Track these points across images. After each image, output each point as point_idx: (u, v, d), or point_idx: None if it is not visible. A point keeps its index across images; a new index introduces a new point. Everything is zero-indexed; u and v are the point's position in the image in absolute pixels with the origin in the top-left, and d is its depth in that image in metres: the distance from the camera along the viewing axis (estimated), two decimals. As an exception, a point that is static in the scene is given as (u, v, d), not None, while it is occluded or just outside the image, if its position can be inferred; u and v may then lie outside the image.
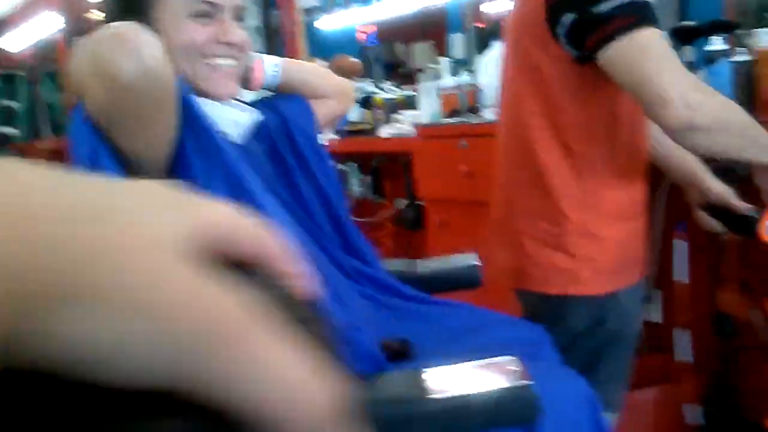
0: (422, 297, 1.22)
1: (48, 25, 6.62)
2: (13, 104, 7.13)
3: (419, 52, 5.65)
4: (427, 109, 2.69)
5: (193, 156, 0.88)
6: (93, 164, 0.84)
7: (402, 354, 1.04)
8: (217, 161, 0.90)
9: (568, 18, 1.17)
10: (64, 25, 6.40)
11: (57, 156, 5.41)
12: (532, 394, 0.84)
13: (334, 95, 1.31)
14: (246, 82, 1.16)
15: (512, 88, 1.38)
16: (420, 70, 3.49)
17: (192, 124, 0.88)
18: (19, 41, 7.46)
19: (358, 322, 1.06)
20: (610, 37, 1.13)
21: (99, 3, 5.59)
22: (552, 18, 1.20)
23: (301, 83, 1.26)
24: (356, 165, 2.90)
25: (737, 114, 1.19)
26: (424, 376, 0.91)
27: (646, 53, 1.14)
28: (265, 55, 1.22)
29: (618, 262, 1.32)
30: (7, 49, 7.80)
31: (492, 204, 1.48)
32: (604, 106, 1.27)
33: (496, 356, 0.96)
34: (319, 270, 1.07)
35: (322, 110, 1.29)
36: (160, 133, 0.86)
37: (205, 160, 0.89)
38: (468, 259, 1.43)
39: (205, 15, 0.99)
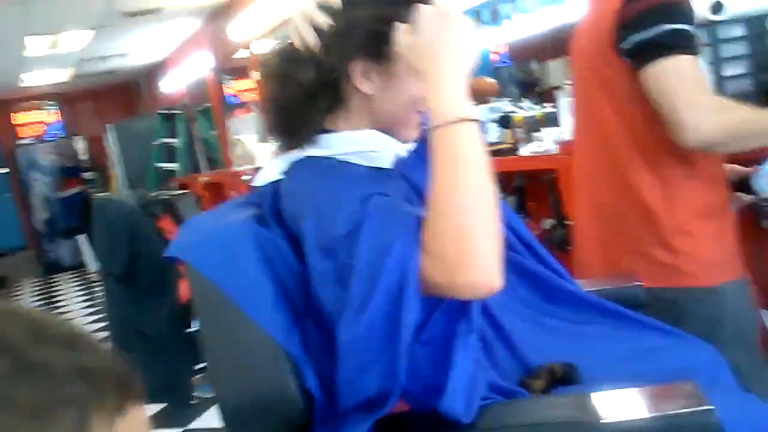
0: (616, 310, 1.18)
1: (199, 65, 7.15)
2: (174, 141, 7.73)
3: (554, 69, 5.57)
4: (569, 125, 2.64)
5: None
6: None
7: (567, 379, 1.03)
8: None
9: (634, 38, 1.36)
10: (214, 64, 6.90)
11: (215, 187, 5.81)
12: (714, 419, 0.80)
13: None
14: None
15: (589, 100, 1.54)
16: (557, 87, 3.44)
17: None
18: (175, 82, 8.11)
19: (517, 341, 1.06)
20: (653, 57, 1.33)
21: (245, 42, 5.99)
22: (621, 37, 1.38)
23: None
24: (498, 185, 2.90)
25: (748, 122, 1.37)
26: (593, 399, 0.90)
27: (678, 79, 1.32)
28: None
29: (716, 257, 1.45)
30: (165, 90, 8.51)
31: (583, 216, 1.63)
32: None
33: (672, 381, 0.93)
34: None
35: None
36: None
37: None
38: (628, 279, 1.39)
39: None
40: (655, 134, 1.39)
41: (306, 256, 0.94)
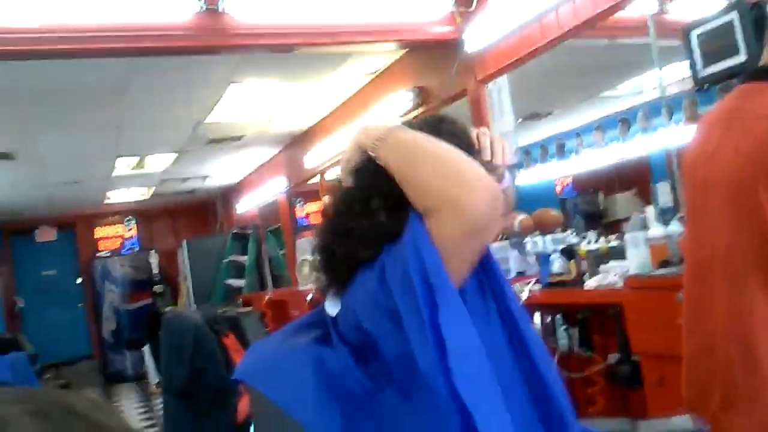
0: None
1: (272, 188, 7.48)
2: (243, 259, 7.97)
3: (621, 201, 5.59)
4: (635, 259, 2.63)
5: None
6: None
7: None
8: None
9: None
10: (287, 187, 7.21)
11: (279, 305, 5.91)
12: None
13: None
14: None
15: (721, 242, 1.24)
16: (624, 220, 3.44)
17: None
18: (249, 203, 8.47)
19: None
20: None
21: (318, 168, 6.28)
22: None
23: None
24: (561, 317, 2.85)
25: None
26: None
27: None
28: None
29: None
30: (239, 211, 8.88)
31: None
32: None
33: None
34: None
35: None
36: None
37: None
38: (694, 422, 1.33)
39: None
40: None
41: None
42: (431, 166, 0.94)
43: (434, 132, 1.04)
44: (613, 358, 2.57)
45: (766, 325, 1.15)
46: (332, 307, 1.09)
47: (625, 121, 5.35)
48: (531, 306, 2.86)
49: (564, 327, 2.82)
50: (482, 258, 1.02)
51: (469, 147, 1.06)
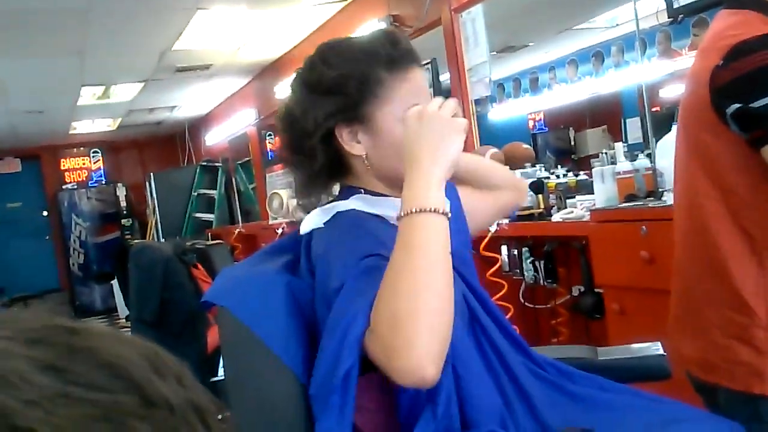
0: (606, 383, 1.18)
1: (242, 120, 7.36)
2: (212, 193, 7.90)
3: (592, 137, 5.61)
4: (603, 194, 2.65)
5: None
6: None
7: (587, 443, 1.02)
8: None
9: (732, 107, 1.17)
10: (257, 120, 7.10)
11: (249, 239, 5.90)
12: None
13: (506, 187, 1.37)
14: None
15: (686, 173, 1.35)
16: (594, 156, 3.46)
17: None
18: (218, 136, 8.34)
19: (538, 404, 1.05)
20: (761, 134, 1.16)
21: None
22: (718, 104, 1.20)
23: (479, 173, 1.34)
24: (527, 250, 2.89)
25: None
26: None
27: None
28: None
29: None
30: (208, 143, 8.74)
31: (672, 292, 1.42)
32: None
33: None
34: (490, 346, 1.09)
35: (493, 200, 1.36)
36: None
37: None
38: (653, 348, 1.37)
39: None
40: (761, 211, 1.22)
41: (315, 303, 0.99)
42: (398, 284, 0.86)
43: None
44: (576, 289, 2.62)
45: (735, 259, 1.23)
46: (321, 216, 1.09)
47: (598, 55, 5.32)
48: (498, 239, 2.89)
49: (530, 259, 2.86)
50: None
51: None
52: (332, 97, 1.07)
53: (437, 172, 0.93)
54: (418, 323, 0.80)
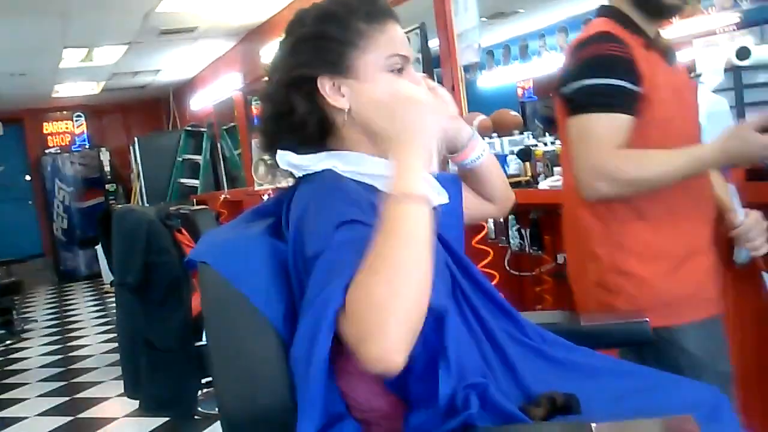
0: (587, 351, 1.19)
1: (228, 85, 7.27)
2: (197, 158, 7.83)
3: (579, 106, 5.59)
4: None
5: None
6: None
7: (567, 408, 1.02)
8: None
9: (562, 89, 1.48)
10: (242, 84, 7.02)
11: (234, 205, 5.87)
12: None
13: (499, 199, 1.36)
14: (452, 152, 1.25)
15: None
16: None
17: None
18: (203, 100, 8.24)
19: (520, 369, 1.06)
20: (570, 113, 1.44)
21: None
22: (558, 83, 1.50)
23: (488, 180, 1.31)
24: (514, 217, 2.89)
25: (644, 169, 1.39)
26: (593, 429, 0.89)
27: (581, 137, 1.41)
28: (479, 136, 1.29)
29: (666, 298, 1.42)
30: (193, 108, 8.65)
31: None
32: None
33: (670, 415, 0.93)
34: (471, 312, 1.09)
35: (480, 206, 1.34)
36: None
37: None
38: (634, 315, 1.38)
39: (398, 69, 1.08)
40: None
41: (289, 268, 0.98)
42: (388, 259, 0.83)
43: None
44: (562, 257, 2.63)
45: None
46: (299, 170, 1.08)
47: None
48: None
49: (516, 227, 2.86)
50: None
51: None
52: (314, 48, 1.06)
53: (421, 157, 0.91)
54: (393, 312, 0.79)
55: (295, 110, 1.07)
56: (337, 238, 0.90)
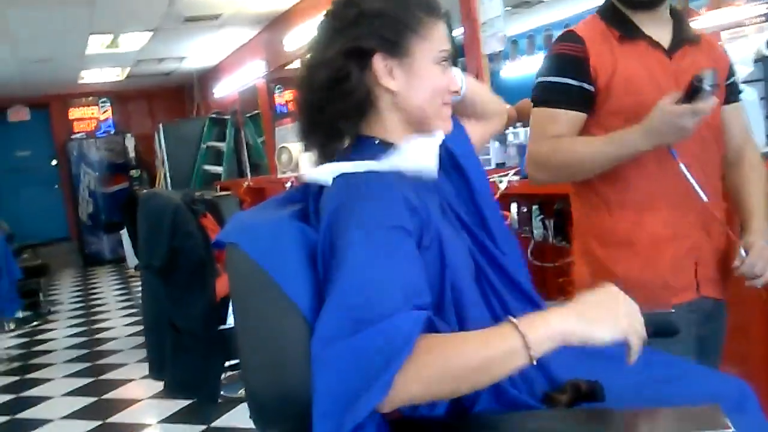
0: None
1: (251, 73, 7.29)
2: (221, 145, 7.88)
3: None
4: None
5: None
6: None
7: (591, 396, 1.03)
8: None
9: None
10: (266, 72, 7.04)
11: (257, 192, 5.91)
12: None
13: (497, 113, 1.39)
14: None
15: None
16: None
17: None
18: (227, 88, 8.28)
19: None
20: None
21: (299, 53, 6.10)
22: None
23: (478, 101, 1.34)
24: (537, 207, 2.88)
25: (569, 154, 1.48)
26: (617, 416, 0.90)
27: (529, 130, 1.58)
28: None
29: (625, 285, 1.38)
30: (217, 95, 8.69)
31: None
32: None
33: (695, 405, 0.93)
34: (500, 294, 1.10)
35: (481, 130, 1.36)
36: None
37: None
38: (659, 306, 1.37)
39: (444, 61, 1.10)
40: None
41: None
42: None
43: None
44: (585, 248, 2.62)
45: None
46: (332, 171, 1.08)
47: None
48: (508, 196, 2.88)
49: (540, 217, 2.85)
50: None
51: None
52: (378, 23, 1.06)
53: (569, 326, 0.91)
54: (437, 394, 0.92)
55: (351, 75, 1.06)
56: (376, 241, 0.93)
